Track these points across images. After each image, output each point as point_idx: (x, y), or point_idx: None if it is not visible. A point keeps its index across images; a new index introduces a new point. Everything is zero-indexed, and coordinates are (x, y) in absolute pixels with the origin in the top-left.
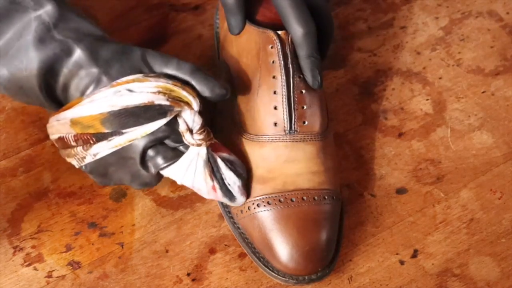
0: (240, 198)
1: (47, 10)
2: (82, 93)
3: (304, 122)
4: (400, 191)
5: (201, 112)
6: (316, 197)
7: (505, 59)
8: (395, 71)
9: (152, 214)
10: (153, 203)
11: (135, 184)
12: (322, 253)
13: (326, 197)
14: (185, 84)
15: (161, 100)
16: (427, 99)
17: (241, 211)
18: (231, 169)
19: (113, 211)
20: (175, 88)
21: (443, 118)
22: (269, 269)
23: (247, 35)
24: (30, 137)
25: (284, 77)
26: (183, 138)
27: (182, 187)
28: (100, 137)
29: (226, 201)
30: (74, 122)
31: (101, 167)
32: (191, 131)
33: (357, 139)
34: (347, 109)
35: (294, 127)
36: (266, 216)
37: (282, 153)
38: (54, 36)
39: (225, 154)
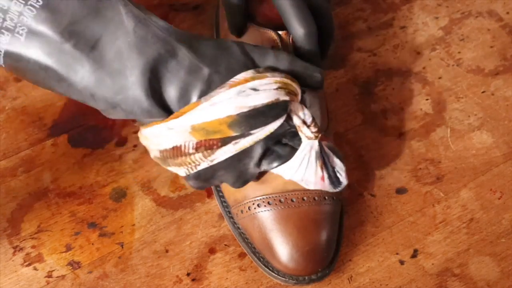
0: (344, 181)
1: (133, 5)
2: (193, 97)
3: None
4: (400, 191)
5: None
6: (316, 197)
7: (505, 59)
8: (395, 71)
9: (152, 214)
10: (153, 203)
11: (237, 184)
12: (322, 253)
13: (326, 197)
14: (290, 75)
15: (283, 96)
16: (427, 99)
17: (241, 211)
18: (337, 156)
19: (113, 211)
20: (290, 82)
21: (443, 118)
22: (269, 269)
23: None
24: (30, 137)
25: None
26: (299, 132)
27: (182, 187)
28: (227, 141)
29: (330, 188)
30: (195, 129)
31: (210, 171)
32: (306, 124)
33: (357, 139)
34: (347, 109)
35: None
36: (266, 216)
37: None
38: (157, 34)
39: (329, 143)
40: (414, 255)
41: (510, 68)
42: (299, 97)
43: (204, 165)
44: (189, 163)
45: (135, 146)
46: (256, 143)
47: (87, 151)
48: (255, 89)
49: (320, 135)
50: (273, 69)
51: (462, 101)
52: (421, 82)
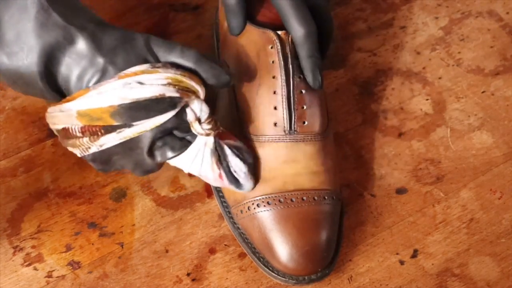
0: (247, 184)
1: None
2: (87, 84)
3: (304, 122)
4: (400, 191)
5: (207, 101)
6: (316, 197)
7: (505, 59)
8: (395, 71)
9: (152, 214)
10: (153, 203)
11: (137, 171)
12: (322, 253)
13: (326, 197)
14: (191, 72)
15: (172, 92)
16: (427, 99)
17: (241, 211)
18: (237, 156)
19: (113, 211)
20: (184, 79)
21: (443, 118)
22: (269, 269)
23: (247, 35)
24: (30, 137)
25: (284, 77)
26: (191, 128)
27: (182, 187)
28: (109, 129)
29: (233, 188)
30: (81, 114)
31: (105, 155)
32: (199, 120)
33: (357, 139)
34: (347, 109)
35: (294, 127)
36: (266, 216)
37: (282, 153)
38: (56, 22)
39: (231, 141)
40: (414, 255)
41: (510, 68)
42: (201, 94)
43: (94, 149)
44: (79, 146)
45: None
46: (143, 134)
47: None
48: (140, 83)
49: (213, 132)
50: (174, 66)
51: (462, 101)
52: (421, 82)
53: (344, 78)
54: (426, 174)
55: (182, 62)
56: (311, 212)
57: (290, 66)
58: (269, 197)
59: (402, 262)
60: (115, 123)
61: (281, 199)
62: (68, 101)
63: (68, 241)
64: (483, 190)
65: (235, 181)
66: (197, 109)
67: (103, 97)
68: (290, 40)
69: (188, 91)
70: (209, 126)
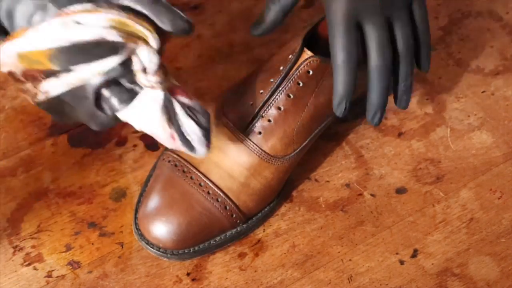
0: (200, 149)
1: None
2: (28, 22)
3: (260, 133)
4: (400, 190)
5: (159, 51)
6: (210, 192)
7: (505, 59)
8: None
9: None
10: None
11: (93, 124)
12: (172, 235)
13: (219, 201)
14: (142, 16)
15: (113, 36)
16: (427, 99)
17: (163, 158)
18: (191, 117)
19: (112, 211)
20: (129, 22)
21: (443, 117)
22: (135, 217)
23: (296, 37)
24: (29, 137)
25: (275, 86)
26: (136, 78)
27: None
28: (49, 74)
29: (185, 150)
30: (21, 56)
31: (56, 105)
32: (145, 71)
33: (357, 138)
34: None
35: (251, 130)
36: (162, 172)
37: (224, 140)
38: None
39: (185, 99)
40: (414, 255)
41: (510, 67)
42: (152, 41)
43: (41, 96)
44: (26, 91)
45: (135, 146)
46: (87, 82)
47: (87, 151)
48: (78, 23)
49: (160, 86)
50: (123, 8)
51: (462, 101)
52: (421, 82)
53: None
54: (426, 174)
55: (136, 5)
56: (194, 197)
57: (287, 83)
58: (180, 160)
59: (402, 262)
60: (54, 67)
61: (185, 169)
62: (8, 40)
63: (68, 241)
64: (483, 189)
65: (188, 143)
66: (145, 59)
67: (39, 38)
68: (308, 61)
69: (135, 37)
70: (156, 78)
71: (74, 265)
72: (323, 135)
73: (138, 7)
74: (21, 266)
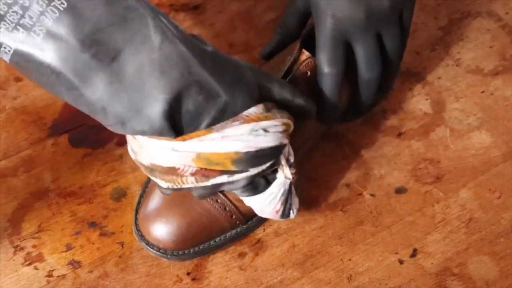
0: (292, 216)
1: (162, 18)
2: (208, 123)
3: None
4: (400, 190)
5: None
6: (219, 200)
7: (504, 59)
8: None
9: None
10: None
11: (201, 196)
12: (173, 233)
13: (227, 209)
14: (283, 107)
15: (285, 139)
16: (427, 99)
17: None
18: (296, 194)
19: (113, 210)
20: (291, 123)
21: (443, 118)
22: (136, 216)
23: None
24: (30, 137)
25: None
26: (280, 171)
27: None
28: (224, 173)
29: (278, 219)
30: (200, 157)
31: (186, 189)
32: (288, 163)
33: (357, 138)
34: None
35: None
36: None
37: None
38: (182, 54)
39: (294, 176)
40: (413, 255)
41: (510, 68)
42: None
43: (189, 186)
44: (178, 183)
45: None
46: (247, 177)
47: (88, 150)
48: (266, 130)
49: (296, 176)
50: (277, 105)
51: (461, 101)
52: (420, 82)
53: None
54: (426, 174)
55: (281, 96)
56: (194, 198)
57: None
58: None
59: (401, 262)
60: (234, 169)
61: None
62: (184, 140)
63: (69, 241)
64: (482, 189)
65: (287, 215)
66: (287, 152)
67: (228, 142)
68: (306, 62)
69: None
70: (293, 171)
71: (74, 264)
72: (323, 135)
73: (287, 98)
74: (21, 265)
